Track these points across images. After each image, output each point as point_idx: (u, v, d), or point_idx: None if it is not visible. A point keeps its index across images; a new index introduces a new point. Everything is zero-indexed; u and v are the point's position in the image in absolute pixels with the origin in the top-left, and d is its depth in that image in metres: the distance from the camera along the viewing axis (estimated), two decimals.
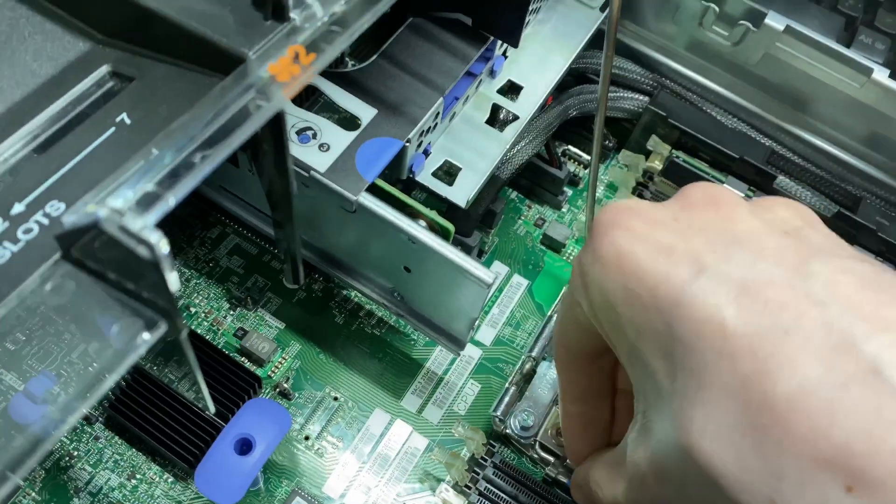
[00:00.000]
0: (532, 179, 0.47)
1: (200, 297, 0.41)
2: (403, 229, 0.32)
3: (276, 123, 0.22)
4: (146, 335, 0.18)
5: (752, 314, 0.21)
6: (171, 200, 0.18)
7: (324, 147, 0.33)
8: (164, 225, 0.43)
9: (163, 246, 0.17)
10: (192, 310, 0.41)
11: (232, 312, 0.41)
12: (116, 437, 0.37)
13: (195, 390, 0.24)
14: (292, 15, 0.24)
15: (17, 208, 0.22)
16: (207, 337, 0.40)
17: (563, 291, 0.37)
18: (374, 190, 0.33)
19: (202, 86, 0.25)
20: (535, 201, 0.48)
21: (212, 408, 0.26)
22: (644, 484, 0.24)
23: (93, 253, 0.20)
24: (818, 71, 0.42)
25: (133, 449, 0.37)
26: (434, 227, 0.34)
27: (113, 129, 0.24)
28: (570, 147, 0.48)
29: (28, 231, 0.21)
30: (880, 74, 0.41)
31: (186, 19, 0.25)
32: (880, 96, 0.41)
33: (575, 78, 0.47)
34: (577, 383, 0.31)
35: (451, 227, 0.34)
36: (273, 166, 0.23)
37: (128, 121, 0.24)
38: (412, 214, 0.33)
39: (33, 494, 0.35)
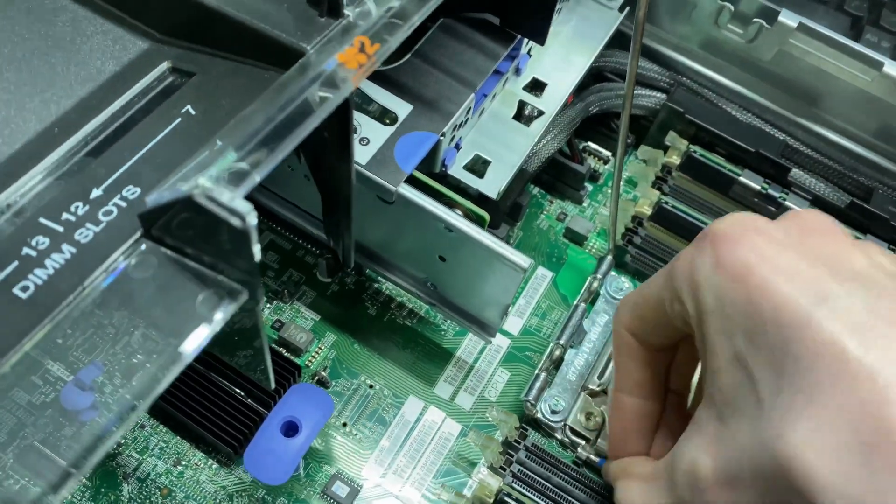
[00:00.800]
0: (554, 175, 0.48)
1: None
2: (442, 217, 0.33)
3: (343, 111, 0.23)
4: (230, 303, 0.20)
5: (874, 345, 0.22)
6: (256, 177, 0.19)
7: (364, 141, 0.34)
8: None
9: (252, 217, 0.18)
10: None
11: (269, 305, 0.42)
12: (161, 426, 0.39)
13: (255, 363, 0.26)
14: (346, 11, 0.26)
15: (96, 193, 0.24)
16: None
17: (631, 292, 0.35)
18: (411, 181, 0.35)
19: (262, 80, 0.26)
20: (556, 196, 0.49)
21: (272, 383, 0.27)
22: (701, 490, 0.26)
23: (172, 230, 0.21)
24: (830, 66, 0.44)
25: (177, 437, 0.38)
26: (469, 216, 0.35)
27: (179, 119, 0.26)
28: (591, 144, 0.50)
29: (108, 213, 0.23)
30: (891, 67, 0.42)
31: (246, 16, 0.26)
32: (891, 89, 0.43)
33: (593, 77, 0.49)
34: (636, 374, 0.32)
35: (486, 215, 0.35)
36: (336, 154, 0.25)
37: (192, 112, 0.26)
38: (448, 204, 0.35)
39: (84, 480, 0.37)
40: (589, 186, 0.49)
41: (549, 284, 0.46)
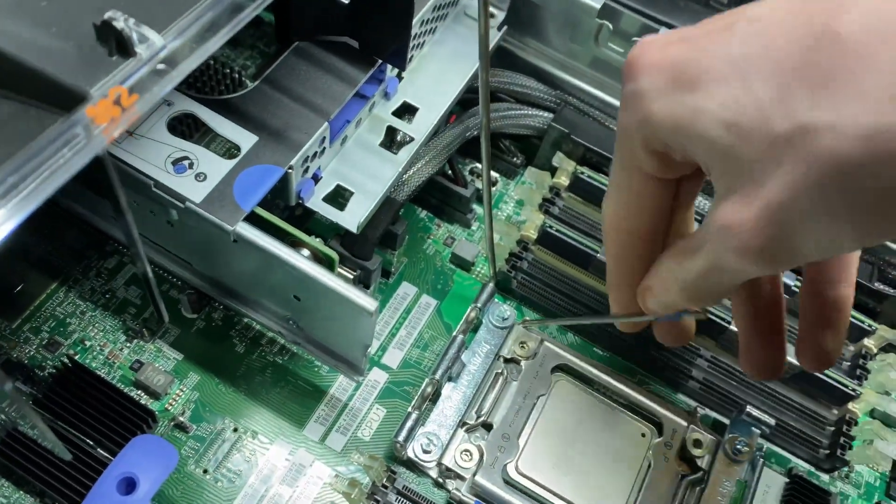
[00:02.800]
0: (440, 198, 0.47)
1: (96, 330, 0.40)
2: (283, 259, 0.32)
3: (100, 166, 0.21)
4: None
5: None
6: None
7: (200, 177, 0.32)
8: (59, 255, 0.42)
9: None
10: (88, 343, 0.40)
11: (129, 345, 0.40)
12: (3, 479, 0.36)
13: (40, 438, 0.23)
14: (138, 50, 0.24)
15: None
16: (103, 371, 0.39)
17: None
18: (255, 219, 0.32)
19: (45, 124, 0.24)
20: (444, 220, 0.47)
21: (66, 455, 0.25)
22: (735, 235, 0.24)
23: None
24: None
25: (21, 491, 0.36)
26: (318, 256, 0.33)
27: None
28: (478, 165, 0.48)
29: None
30: None
31: (27, 55, 0.24)
32: None
33: None
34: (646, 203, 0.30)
35: (334, 255, 0.33)
36: (113, 210, 0.23)
37: None
38: (294, 243, 0.33)
39: None
40: (478, 209, 0.48)
41: (433, 313, 0.44)
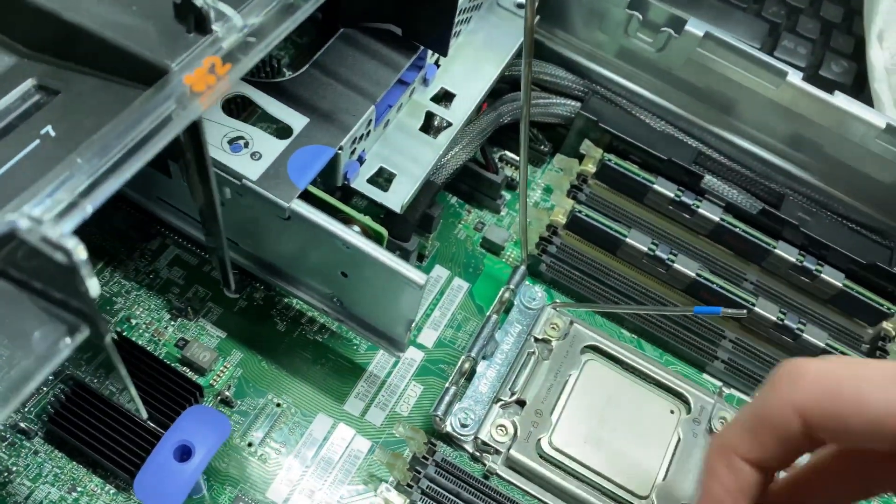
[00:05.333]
0: (471, 185, 0.48)
1: (141, 309, 0.41)
2: (337, 235, 0.33)
3: (195, 132, 0.22)
4: (67, 340, 0.19)
5: None
6: (87, 208, 0.18)
7: (255, 156, 0.33)
8: (104, 237, 0.43)
9: (80, 252, 0.17)
10: (133, 321, 0.41)
11: (173, 323, 0.41)
12: (56, 451, 0.37)
13: (128, 396, 0.25)
14: (214, 27, 0.25)
15: None
16: (149, 348, 0.40)
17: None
18: (307, 197, 0.34)
19: (127, 97, 0.25)
20: (474, 206, 0.49)
21: (144, 413, 0.26)
22: None
23: (16, 262, 0.20)
24: (738, 74, 0.44)
25: (73, 462, 0.37)
26: (368, 232, 0.35)
27: (37, 141, 0.25)
28: (507, 152, 0.50)
29: None
30: (794, 77, 0.43)
31: (110, 33, 0.25)
32: (796, 97, 0.43)
33: (510, 85, 0.49)
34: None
35: (384, 231, 0.35)
36: (196, 174, 0.24)
37: (52, 133, 0.25)
38: (345, 220, 0.34)
39: None
40: (507, 195, 0.49)
41: (465, 295, 0.46)
